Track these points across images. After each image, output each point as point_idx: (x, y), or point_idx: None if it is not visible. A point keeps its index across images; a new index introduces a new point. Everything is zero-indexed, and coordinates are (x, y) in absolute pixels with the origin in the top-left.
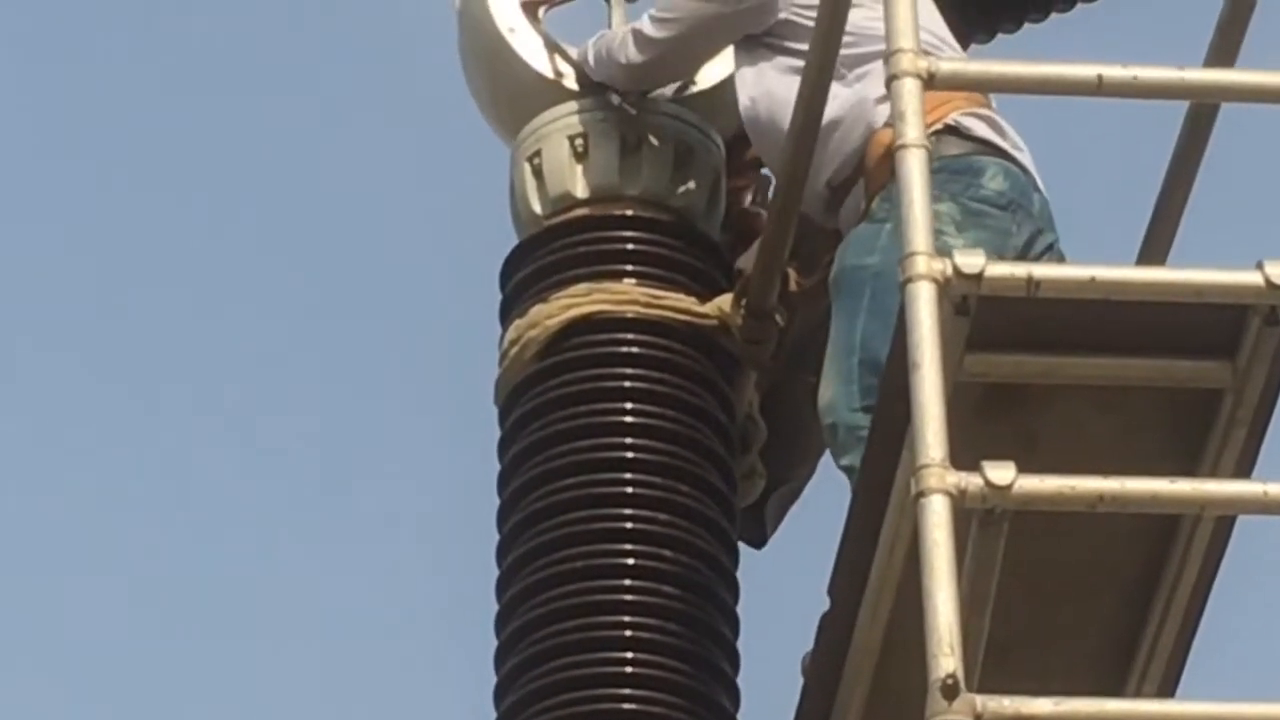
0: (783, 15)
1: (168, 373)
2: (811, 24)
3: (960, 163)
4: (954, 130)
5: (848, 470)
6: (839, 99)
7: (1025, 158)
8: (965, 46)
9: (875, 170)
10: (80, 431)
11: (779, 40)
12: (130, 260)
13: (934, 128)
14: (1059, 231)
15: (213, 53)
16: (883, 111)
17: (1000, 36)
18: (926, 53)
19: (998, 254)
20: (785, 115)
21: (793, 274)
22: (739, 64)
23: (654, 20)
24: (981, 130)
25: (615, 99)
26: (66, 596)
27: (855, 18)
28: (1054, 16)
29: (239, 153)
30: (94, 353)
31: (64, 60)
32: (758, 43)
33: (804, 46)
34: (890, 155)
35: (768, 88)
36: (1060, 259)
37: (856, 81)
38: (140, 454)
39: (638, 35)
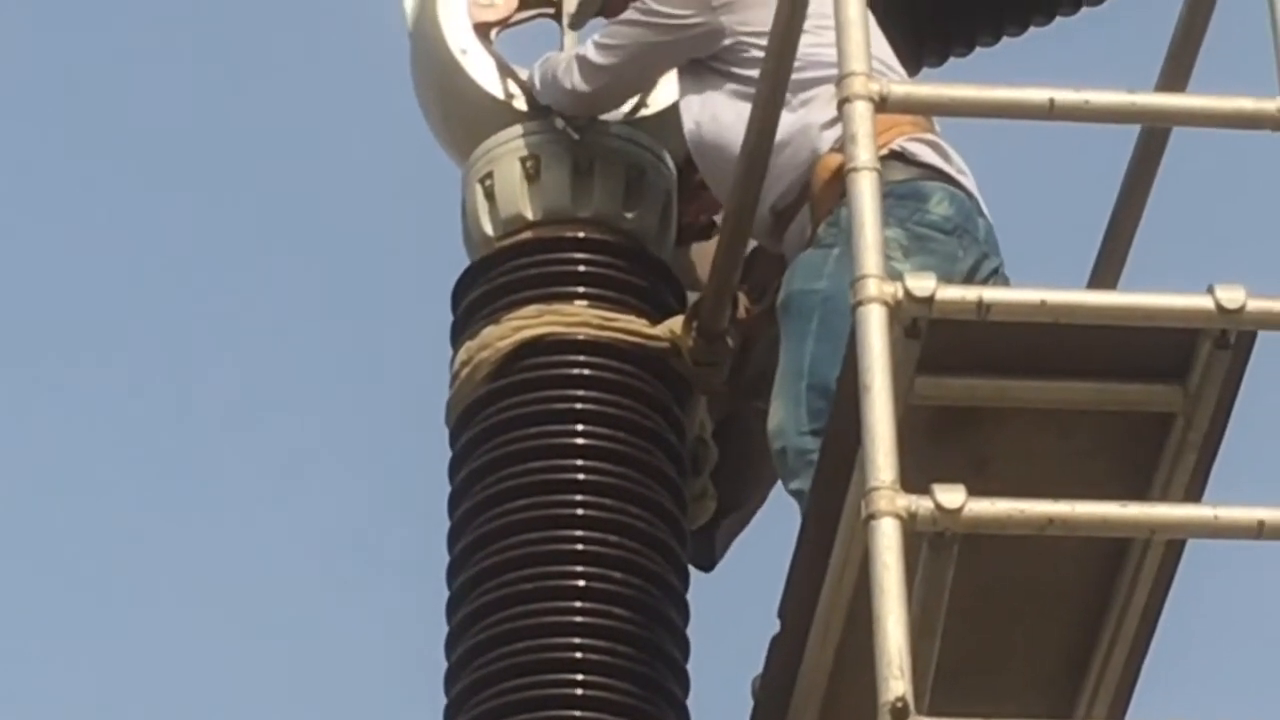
0: (727, 41)
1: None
2: (756, 49)
3: (906, 188)
4: (899, 156)
5: (797, 494)
6: (784, 124)
7: (969, 182)
8: (915, 71)
9: (821, 195)
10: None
11: (724, 65)
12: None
13: (879, 153)
14: (1005, 255)
15: (194, 59)
16: (828, 136)
17: (951, 60)
18: (878, 74)
19: (944, 279)
20: (731, 139)
21: (743, 299)
22: (683, 88)
23: (598, 46)
24: (927, 155)
25: (560, 123)
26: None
27: (801, 44)
28: (1005, 40)
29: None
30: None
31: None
32: (703, 67)
33: (749, 72)
34: (836, 180)
35: (713, 112)
36: (1005, 284)
37: (801, 107)
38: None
39: (582, 61)
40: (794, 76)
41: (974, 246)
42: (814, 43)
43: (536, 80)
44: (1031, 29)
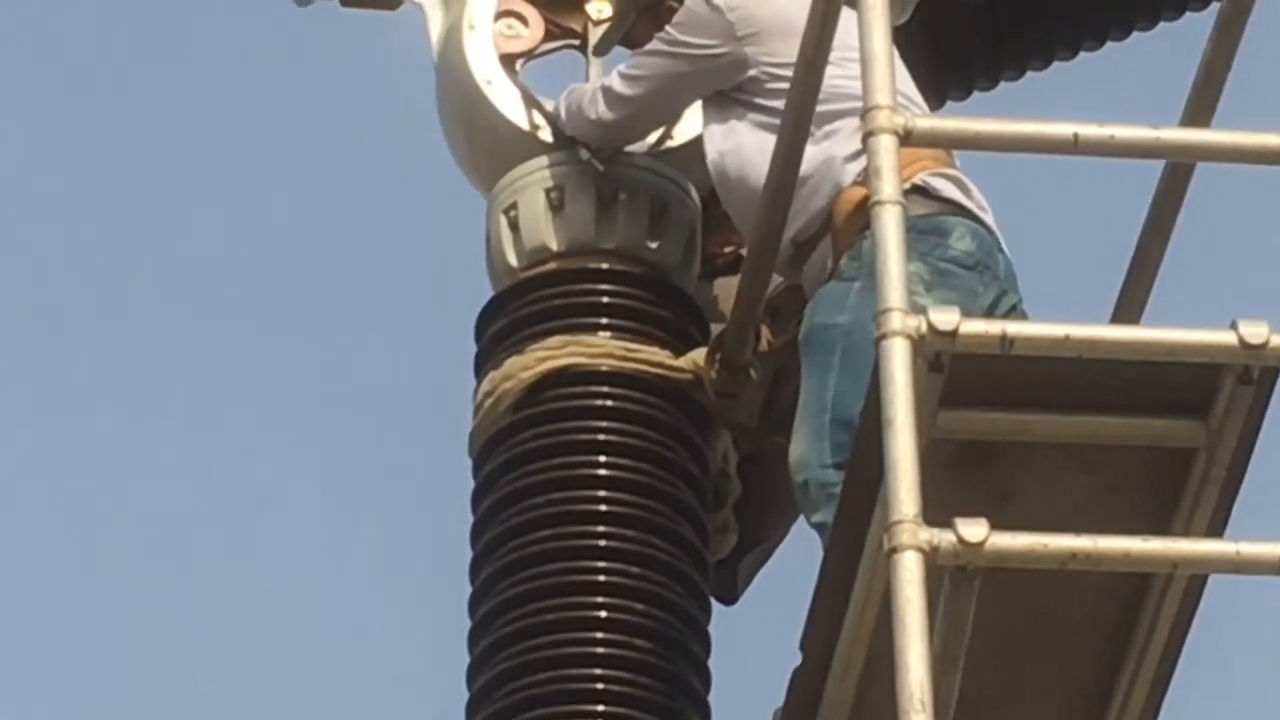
0: (751, 72)
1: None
2: (780, 81)
3: (928, 223)
4: (921, 190)
5: (819, 527)
6: (807, 156)
7: (989, 218)
8: (939, 105)
9: (843, 228)
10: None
11: (748, 96)
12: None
13: (902, 187)
14: (1029, 289)
15: (219, 87)
16: (851, 169)
17: (975, 94)
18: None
19: (965, 314)
20: (754, 170)
21: (765, 331)
22: (707, 119)
23: (623, 77)
24: (948, 191)
25: (584, 154)
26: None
27: (826, 77)
28: (1029, 75)
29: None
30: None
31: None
32: (726, 98)
33: (772, 103)
34: (858, 213)
35: (737, 142)
36: (1024, 320)
37: (825, 139)
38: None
39: (607, 92)
40: (818, 109)
41: (994, 282)
42: (838, 75)
43: (562, 111)
44: (1055, 64)
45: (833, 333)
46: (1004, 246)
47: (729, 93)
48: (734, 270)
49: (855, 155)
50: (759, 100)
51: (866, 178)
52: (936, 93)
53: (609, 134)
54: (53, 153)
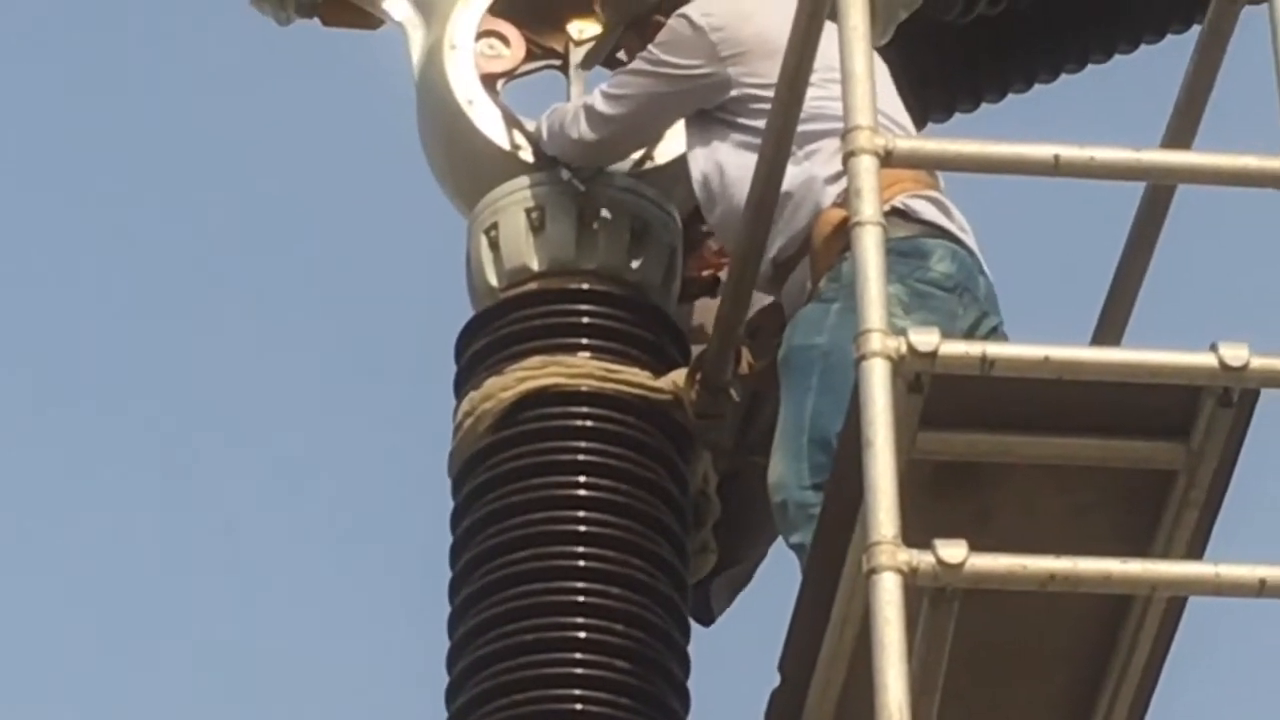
0: (734, 92)
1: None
2: (763, 101)
3: (908, 245)
4: (901, 212)
5: (797, 548)
6: (787, 177)
7: (970, 240)
8: (921, 126)
9: (822, 249)
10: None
11: (731, 116)
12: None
13: (882, 209)
14: (1010, 310)
15: (199, 112)
16: (831, 191)
17: (957, 115)
18: (884, 128)
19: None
20: (737, 190)
21: (745, 353)
22: (690, 139)
23: (605, 96)
24: (929, 213)
25: (565, 174)
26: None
27: (807, 97)
28: (1011, 96)
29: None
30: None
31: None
32: (710, 118)
33: (756, 123)
34: (837, 234)
35: (719, 162)
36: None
37: (805, 160)
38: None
39: (590, 111)
40: (799, 129)
41: (974, 305)
42: (819, 96)
43: (544, 131)
44: (1036, 85)
45: (811, 354)
46: (985, 268)
47: (712, 112)
48: (711, 293)
49: (836, 176)
50: (742, 120)
51: (846, 199)
52: (918, 114)
53: (591, 154)
54: (28, 170)
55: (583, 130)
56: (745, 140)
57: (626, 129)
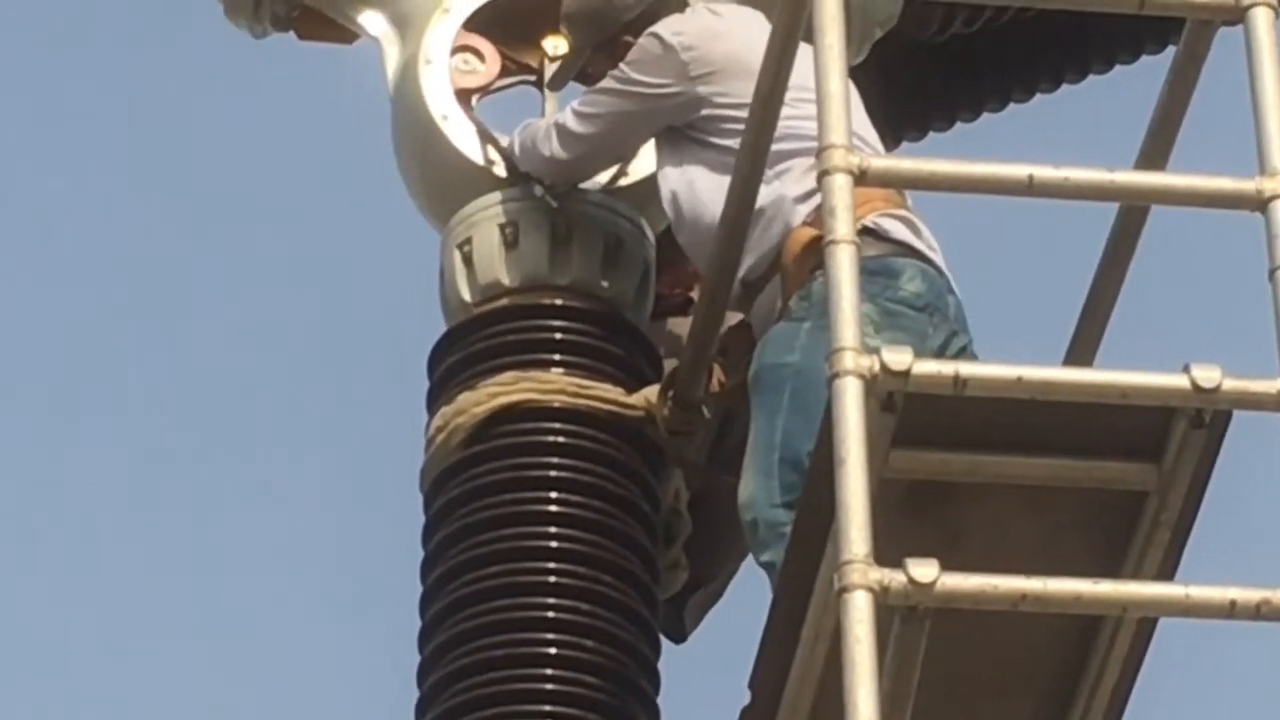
0: (705, 111)
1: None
2: (733, 121)
3: (878, 264)
4: (872, 231)
5: (767, 566)
6: (759, 195)
7: (940, 259)
8: (895, 145)
9: (793, 268)
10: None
11: (701, 135)
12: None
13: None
14: (982, 330)
15: (173, 123)
16: (801, 210)
17: (931, 135)
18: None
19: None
20: (707, 208)
21: (717, 371)
22: (660, 156)
23: (576, 115)
24: (899, 232)
25: (538, 190)
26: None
27: (780, 116)
28: (985, 116)
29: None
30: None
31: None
32: (680, 135)
33: (726, 142)
34: (808, 253)
35: (690, 180)
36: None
37: (776, 179)
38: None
39: (561, 129)
40: (772, 148)
41: (944, 324)
42: (791, 115)
43: (516, 147)
44: (1011, 105)
45: (782, 373)
46: (955, 288)
47: (683, 130)
48: (684, 312)
49: (806, 195)
50: (712, 139)
51: (818, 217)
52: (892, 133)
53: (562, 171)
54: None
55: (554, 148)
56: (716, 159)
57: (597, 147)
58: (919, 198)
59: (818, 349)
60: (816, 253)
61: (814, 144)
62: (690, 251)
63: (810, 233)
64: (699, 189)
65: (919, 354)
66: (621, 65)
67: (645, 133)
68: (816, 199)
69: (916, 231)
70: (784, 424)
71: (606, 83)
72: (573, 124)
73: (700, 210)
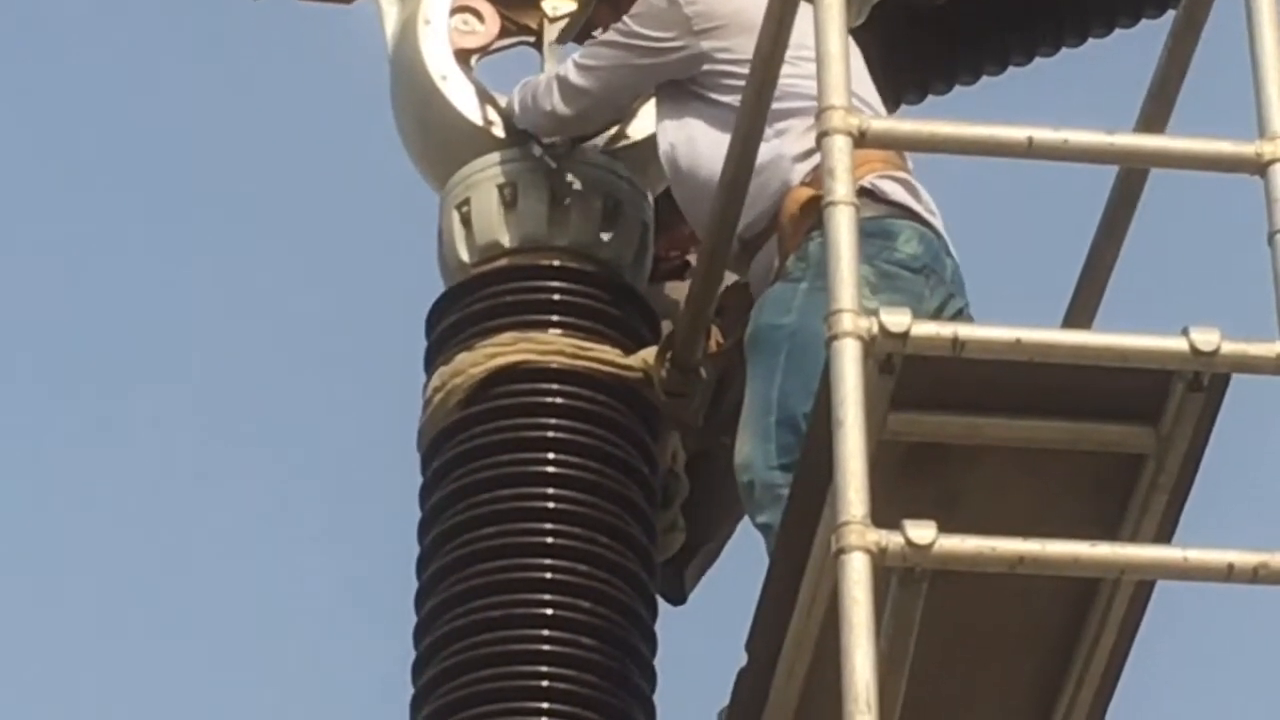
0: (706, 66)
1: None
2: (735, 77)
3: (875, 225)
4: (869, 193)
5: (764, 528)
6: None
7: (938, 221)
8: (895, 108)
9: (790, 228)
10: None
11: (702, 90)
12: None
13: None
14: (982, 292)
15: (175, 86)
16: (800, 169)
17: (931, 98)
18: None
19: None
20: (704, 164)
21: (715, 332)
22: (660, 110)
23: (578, 67)
24: (897, 194)
25: (537, 150)
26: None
27: (780, 75)
28: (985, 79)
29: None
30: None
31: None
32: (681, 89)
33: (726, 98)
34: (805, 213)
35: (689, 135)
36: None
37: (775, 137)
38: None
39: (562, 82)
40: (771, 106)
41: (940, 286)
42: (792, 74)
43: (515, 104)
44: (1011, 68)
45: (778, 334)
46: (952, 250)
47: (684, 84)
48: (680, 276)
49: (805, 155)
50: (713, 95)
51: (817, 178)
52: (891, 95)
53: (562, 125)
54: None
55: (555, 102)
56: (716, 115)
57: (598, 101)
58: (918, 160)
59: (814, 310)
60: (813, 213)
61: (814, 103)
62: (685, 208)
63: (807, 192)
64: (698, 144)
65: (918, 316)
66: (625, 18)
67: (647, 86)
68: (815, 158)
69: (915, 193)
70: (780, 385)
71: (609, 35)
72: (574, 76)
73: (697, 165)
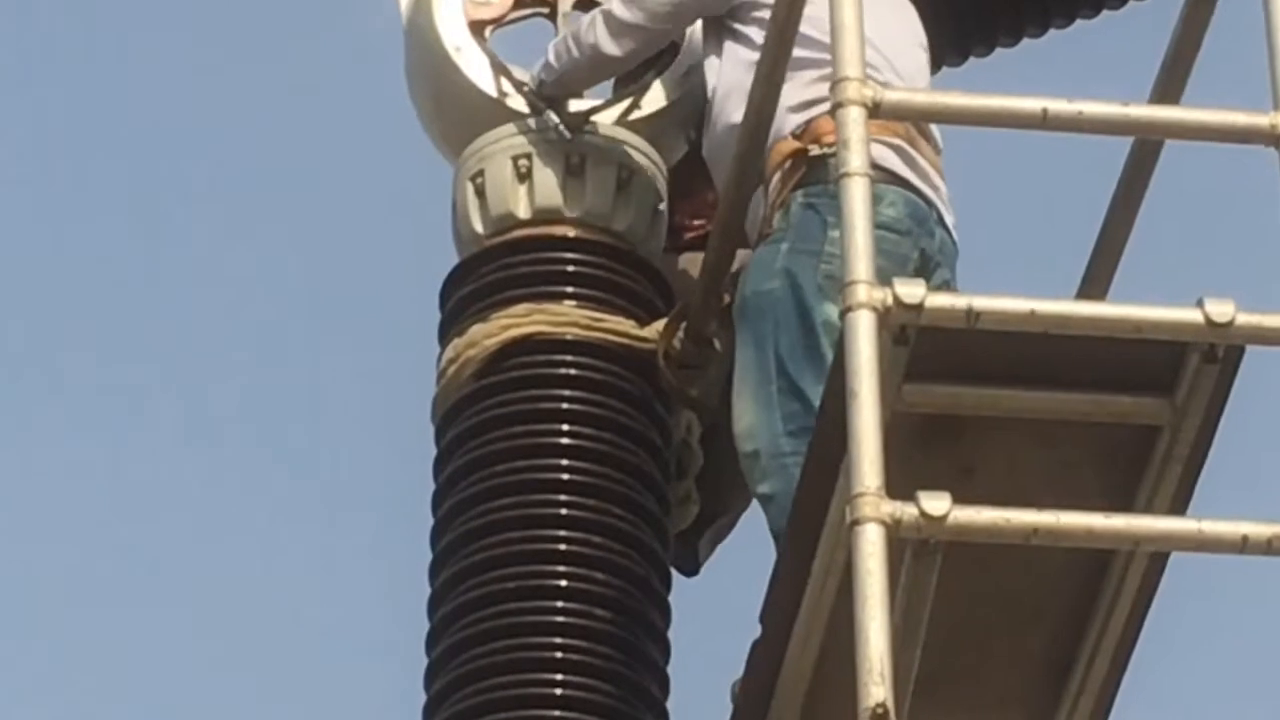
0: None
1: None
2: (762, 7)
3: None
4: None
5: (765, 499)
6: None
7: (932, 192)
8: (938, 61)
9: (775, 181)
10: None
11: (735, 24)
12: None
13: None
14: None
15: (184, 57)
16: (792, 120)
17: (944, 69)
18: (871, 79)
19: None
20: (728, 106)
21: (728, 300)
22: (707, 47)
23: (624, 1)
24: (887, 160)
25: (552, 121)
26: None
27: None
28: (999, 50)
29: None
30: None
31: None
32: (721, 26)
33: (752, 31)
34: (792, 168)
35: (721, 74)
36: None
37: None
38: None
39: (608, 17)
40: None
41: (926, 248)
42: (811, 14)
43: (551, 58)
44: (1025, 40)
45: (766, 299)
46: (948, 224)
47: (723, 20)
48: (702, 247)
49: (803, 105)
50: (742, 29)
51: (808, 131)
52: (940, 45)
53: (606, 66)
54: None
55: (599, 37)
56: (742, 54)
57: (644, 37)
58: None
59: (797, 270)
60: (798, 168)
61: (826, 55)
62: (709, 158)
63: (793, 145)
64: (724, 87)
65: (903, 280)
66: None
67: (689, 19)
68: (812, 111)
69: (910, 162)
70: (775, 352)
71: None
72: (620, 11)
73: (723, 109)
